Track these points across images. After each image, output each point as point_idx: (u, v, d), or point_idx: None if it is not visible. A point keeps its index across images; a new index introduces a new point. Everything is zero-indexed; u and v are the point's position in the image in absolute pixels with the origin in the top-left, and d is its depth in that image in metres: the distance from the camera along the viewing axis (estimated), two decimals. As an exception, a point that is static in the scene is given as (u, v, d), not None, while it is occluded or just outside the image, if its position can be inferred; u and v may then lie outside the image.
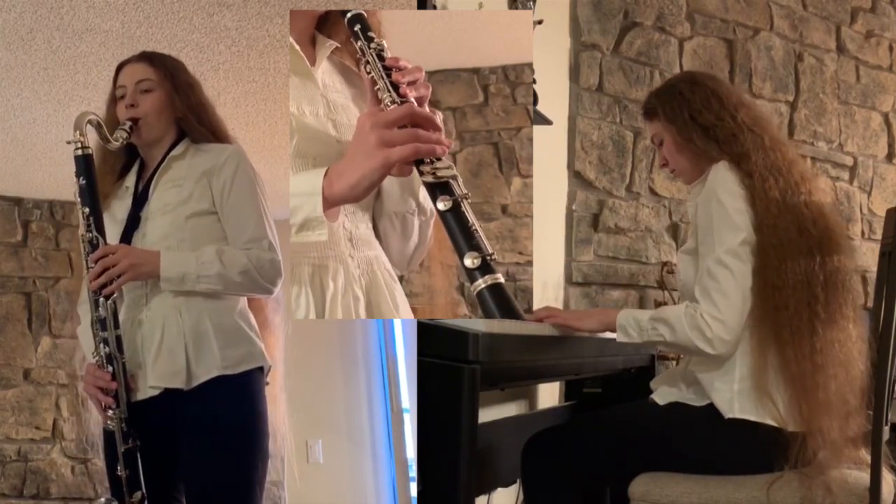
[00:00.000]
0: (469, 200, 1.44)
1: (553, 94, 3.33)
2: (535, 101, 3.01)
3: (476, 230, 1.41)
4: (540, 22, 2.88)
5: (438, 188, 1.44)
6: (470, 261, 1.38)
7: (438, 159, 1.46)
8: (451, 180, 1.45)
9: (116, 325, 1.83)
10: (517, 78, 3.72)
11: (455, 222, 1.42)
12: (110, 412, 1.83)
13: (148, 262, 1.84)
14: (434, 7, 2.65)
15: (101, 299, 1.82)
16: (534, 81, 3.06)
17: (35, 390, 4.90)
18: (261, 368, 1.93)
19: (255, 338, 1.94)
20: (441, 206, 1.43)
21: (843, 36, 4.48)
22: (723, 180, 1.87)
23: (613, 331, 1.95)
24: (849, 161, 4.50)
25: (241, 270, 1.85)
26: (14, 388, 4.87)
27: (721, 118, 1.93)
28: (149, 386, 1.86)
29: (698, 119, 1.94)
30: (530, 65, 3.32)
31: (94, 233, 1.84)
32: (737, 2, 4.08)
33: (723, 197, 1.85)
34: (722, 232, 1.84)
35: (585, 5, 3.56)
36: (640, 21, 3.73)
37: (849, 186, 4.49)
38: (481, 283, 1.37)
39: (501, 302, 1.37)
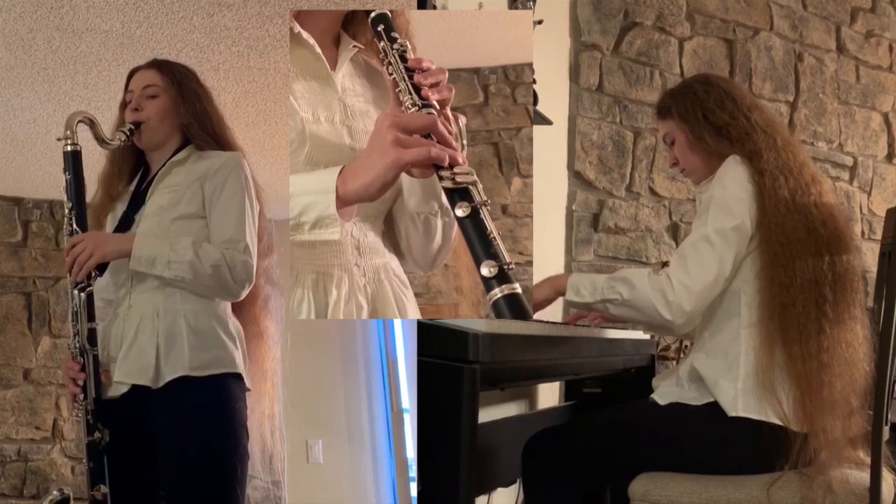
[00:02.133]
0: (489, 207, 1.42)
1: (553, 94, 3.33)
2: (535, 101, 3.01)
3: (494, 238, 1.38)
4: (540, 22, 2.87)
5: (457, 194, 1.42)
6: (487, 269, 1.36)
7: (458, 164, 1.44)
8: (470, 186, 1.42)
9: (90, 318, 1.86)
10: (517, 78, 3.72)
11: (473, 229, 1.40)
12: (77, 403, 1.86)
13: (114, 241, 1.87)
14: (434, 7, 2.65)
15: (76, 292, 1.86)
16: (534, 81, 3.05)
17: (35, 390, 4.90)
18: (237, 375, 1.93)
19: (230, 343, 1.93)
20: (459, 212, 1.41)
21: (843, 36, 4.48)
22: (732, 171, 1.88)
23: (565, 294, 1.94)
24: (849, 161, 4.49)
25: (214, 264, 1.85)
26: (14, 388, 4.87)
27: (734, 118, 1.94)
28: (115, 381, 1.88)
29: (711, 118, 1.95)
30: (530, 65, 3.32)
31: (76, 227, 1.87)
32: (737, 2, 4.08)
33: (727, 182, 1.86)
34: (717, 212, 1.85)
35: (585, 5, 3.56)
36: (640, 21, 3.73)
37: (849, 186, 4.49)
38: (497, 292, 1.36)
39: (517, 312, 1.35)
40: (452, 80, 1.54)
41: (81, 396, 1.86)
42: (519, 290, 1.37)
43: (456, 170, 1.44)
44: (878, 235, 2.61)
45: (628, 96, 3.66)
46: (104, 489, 1.84)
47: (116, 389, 1.89)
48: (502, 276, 1.36)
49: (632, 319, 1.94)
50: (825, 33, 4.41)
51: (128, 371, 1.87)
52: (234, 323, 1.97)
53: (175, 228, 1.90)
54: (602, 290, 1.87)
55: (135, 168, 2.04)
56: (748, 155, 1.90)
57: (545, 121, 3.05)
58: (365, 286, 1.63)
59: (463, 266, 1.76)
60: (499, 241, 1.39)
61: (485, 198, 1.42)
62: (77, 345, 1.87)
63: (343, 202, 1.46)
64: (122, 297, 1.94)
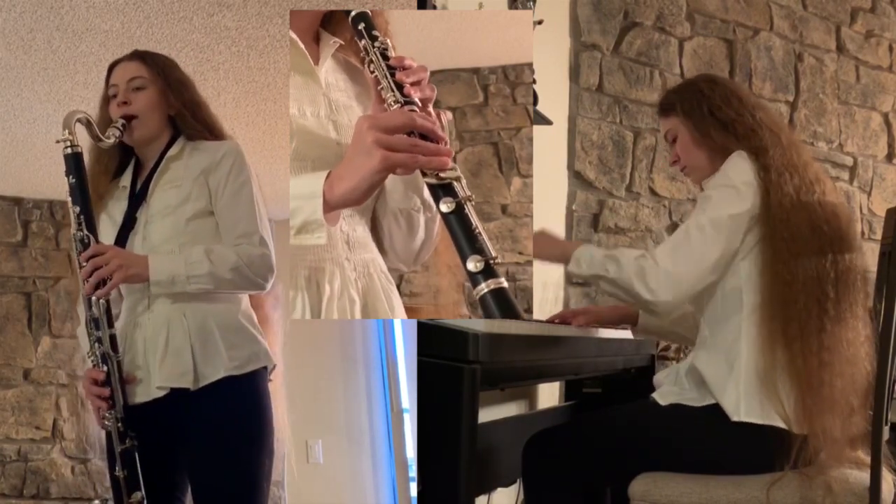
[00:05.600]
0: (473, 202, 1.41)
1: (553, 94, 3.33)
2: (535, 101, 3.01)
3: (479, 233, 1.38)
4: (540, 22, 2.87)
5: (441, 189, 1.41)
6: (473, 264, 1.35)
7: None
8: (454, 182, 1.41)
9: (110, 324, 1.82)
10: (517, 78, 3.72)
11: (458, 225, 1.39)
12: (106, 412, 1.82)
13: (136, 265, 1.82)
14: (434, 7, 2.65)
15: (94, 298, 1.81)
16: (534, 81, 3.06)
17: (35, 390, 4.90)
18: (265, 367, 1.94)
19: (260, 337, 1.94)
20: (444, 208, 1.40)
21: (843, 36, 4.48)
22: (736, 164, 1.88)
23: (566, 262, 1.93)
24: (849, 161, 4.49)
25: (232, 267, 1.84)
26: (14, 388, 4.88)
27: (740, 114, 1.94)
28: (156, 387, 1.85)
29: (717, 114, 1.95)
30: (530, 65, 3.33)
31: (86, 231, 1.82)
32: (737, 2, 4.08)
33: (730, 173, 1.87)
34: (716, 200, 1.85)
35: (585, 5, 3.56)
36: (640, 21, 3.73)
37: (849, 186, 4.49)
38: (484, 287, 1.35)
39: (504, 306, 1.34)
40: (452, 80, 1.54)
41: (109, 404, 1.82)
42: (505, 284, 1.36)
43: None
44: (878, 235, 2.61)
45: (628, 96, 3.66)
46: (139, 495, 1.83)
47: (150, 395, 1.86)
48: (488, 271, 1.35)
49: (619, 298, 1.93)
50: (825, 33, 4.41)
51: (167, 376, 1.84)
52: (254, 314, 1.97)
53: (191, 229, 1.88)
54: (596, 266, 1.87)
55: (121, 164, 1.99)
56: (754, 151, 1.89)
57: (545, 121, 3.05)
58: (356, 280, 1.63)
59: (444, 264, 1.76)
60: (484, 235, 1.38)
61: (469, 192, 1.41)
62: (99, 352, 1.82)
63: (330, 206, 1.45)
64: (137, 302, 1.90)
